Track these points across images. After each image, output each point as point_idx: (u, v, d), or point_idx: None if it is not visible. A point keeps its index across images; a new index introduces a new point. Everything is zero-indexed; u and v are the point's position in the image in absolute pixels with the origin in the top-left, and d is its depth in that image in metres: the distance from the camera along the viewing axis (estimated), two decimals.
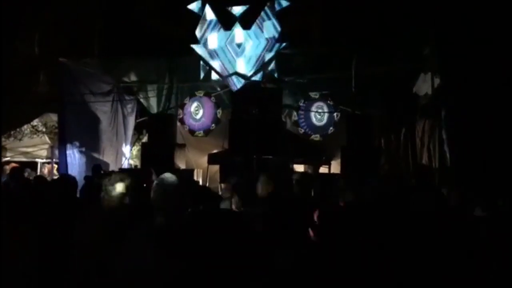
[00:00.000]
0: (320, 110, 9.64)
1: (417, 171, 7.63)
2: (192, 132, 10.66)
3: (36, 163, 12.55)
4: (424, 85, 8.49)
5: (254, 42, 9.73)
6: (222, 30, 9.98)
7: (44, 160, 12.72)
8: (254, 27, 9.71)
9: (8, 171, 10.29)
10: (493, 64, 7.24)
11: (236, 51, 9.91)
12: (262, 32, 9.67)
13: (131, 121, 11.64)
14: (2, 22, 9.87)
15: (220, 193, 8.74)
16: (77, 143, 10.44)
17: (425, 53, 8.45)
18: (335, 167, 9.50)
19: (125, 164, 11.19)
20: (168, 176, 3.00)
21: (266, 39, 9.64)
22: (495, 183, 6.16)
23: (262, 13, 9.61)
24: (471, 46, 7.39)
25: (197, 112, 10.63)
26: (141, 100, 11.54)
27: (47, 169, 12.40)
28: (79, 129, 10.49)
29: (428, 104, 8.45)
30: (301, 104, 9.83)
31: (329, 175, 9.12)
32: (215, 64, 10.07)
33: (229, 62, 9.97)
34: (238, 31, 9.86)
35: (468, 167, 7.15)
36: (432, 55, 8.23)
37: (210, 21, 10.07)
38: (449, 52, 7.77)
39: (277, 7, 9.48)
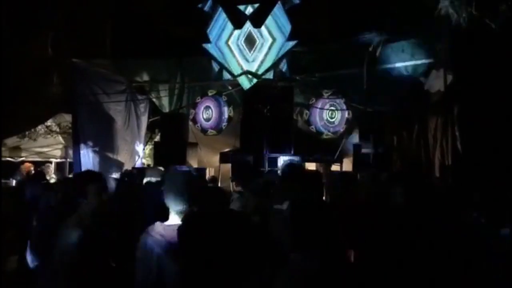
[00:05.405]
0: (331, 108, 9.62)
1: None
2: (204, 131, 10.70)
3: (50, 162, 12.66)
4: (437, 82, 8.41)
5: (265, 40, 9.72)
6: (233, 28, 9.99)
7: (59, 160, 12.84)
8: (264, 25, 9.70)
9: (22, 170, 10.42)
10: (506, 59, 7.15)
11: (247, 50, 9.91)
12: (273, 30, 9.65)
13: (144, 121, 11.72)
14: (15, 23, 9.99)
15: (232, 191, 8.82)
16: (91, 143, 10.53)
17: (437, 49, 8.38)
18: (347, 164, 9.48)
19: (138, 163, 11.27)
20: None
21: (277, 37, 9.62)
22: (508, 180, 6.09)
23: (273, 11, 9.59)
24: (484, 41, 7.30)
25: (209, 111, 10.67)
26: (153, 99, 11.61)
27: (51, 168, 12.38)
28: (92, 129, 10.59)
29: (440, 100, 8.37)
30: (312, 102, 9.81)
31: (344, 173, 9.11)
32: (227, 63, 10.09)
33: (241, 60, 9.97)
34: (249, 30, 9.86)
35: (481, 164, 7.07)
36: (445, 51, 8.16)
37: (221, 20, 10.08)
38: (462, 48, 7.68)
39: (287, 5, 9.44)
